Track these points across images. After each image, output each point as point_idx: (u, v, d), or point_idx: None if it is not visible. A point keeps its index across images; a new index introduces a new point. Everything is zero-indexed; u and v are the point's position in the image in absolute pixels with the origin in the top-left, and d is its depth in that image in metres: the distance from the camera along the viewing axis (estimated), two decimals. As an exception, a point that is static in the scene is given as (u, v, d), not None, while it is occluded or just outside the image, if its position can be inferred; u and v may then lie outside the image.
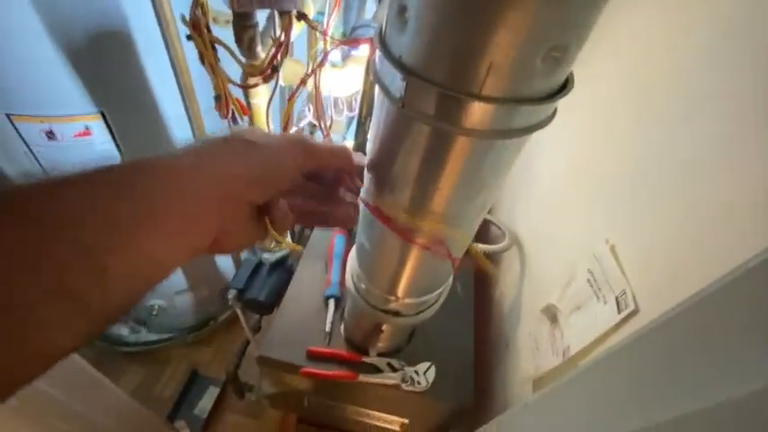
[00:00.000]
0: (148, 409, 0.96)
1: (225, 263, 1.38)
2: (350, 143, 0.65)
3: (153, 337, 1.40)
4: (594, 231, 0.47)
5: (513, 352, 0.63)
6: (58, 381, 0.56)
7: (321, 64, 0.44)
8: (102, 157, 0.85)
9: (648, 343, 0.28)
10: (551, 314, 0.53)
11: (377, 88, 0.28)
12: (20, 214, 0.16)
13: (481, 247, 0.67)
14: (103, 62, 0.74)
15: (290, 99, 0.44)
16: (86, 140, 0.81)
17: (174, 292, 1.31)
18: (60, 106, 0.76)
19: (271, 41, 0.43)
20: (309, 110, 0.57)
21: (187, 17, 0.38)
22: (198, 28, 0.37)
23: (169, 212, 0.20)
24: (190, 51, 0.81)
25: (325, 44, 0.44)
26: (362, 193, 0.35)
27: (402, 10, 0.22)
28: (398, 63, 0.23)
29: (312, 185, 0.33)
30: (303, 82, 0.46)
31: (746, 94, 0.29)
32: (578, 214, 0.51)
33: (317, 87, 0.48)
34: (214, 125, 1.02)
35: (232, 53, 0.39)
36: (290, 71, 0.49)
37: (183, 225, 0.21)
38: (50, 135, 0.78)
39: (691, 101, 0.36)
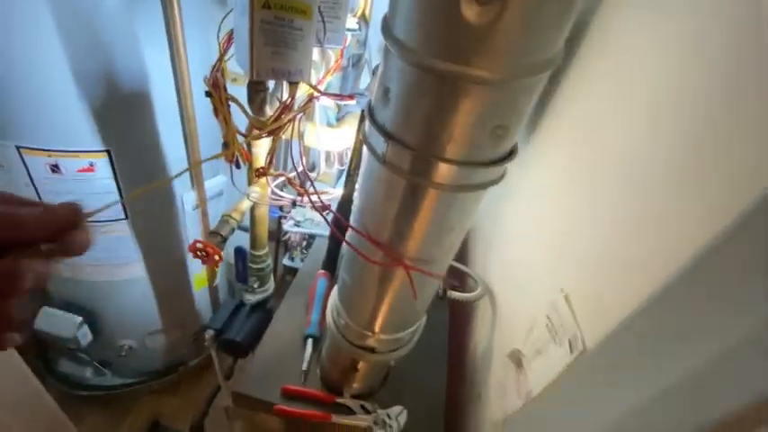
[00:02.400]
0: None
1: (203, 303, 1.37)
2: (339, 191, 0.71)
3: (117, 381, 1.33)
4: (553, 281, 0.52)
5: (485, 401, 0.65)
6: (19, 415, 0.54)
7: (305, 109, 0.51)
8: (102, 191, 0.89)
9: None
10: (516, 359, 0.56)
11: (365, 148, 0.34)
12: None
13: (456, 295, 0.71)
14: (116, 104, 0.81)
15: (275, 134, 0.49)
16: (88, 176, 0.85)
17: (146, 332, 1.27)
18: (70, 142, 0.81)
19: (277, 102, 0.50)
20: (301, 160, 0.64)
21: (207, 77, 0.46)
22: (217, 87, 0.44)
23: None
24: (198, 105, 0.90)
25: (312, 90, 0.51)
26: (354, 223, 0.40)
27: (386, 91, 0.29)
28: (382, 130, 0.30)
29: None
30: (288, 122, 0.52)
31: (675, 156, 0.37)
32: (540, 266, 0.57)
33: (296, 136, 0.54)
34: (209, 168, 1.08)
35: (245, 112, 0.46)
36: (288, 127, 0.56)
37: None
38: (55, 169, 0.82)
39: (631, 165, 0.43)
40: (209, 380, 1.47)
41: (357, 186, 0.37)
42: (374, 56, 1.19)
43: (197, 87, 0.88)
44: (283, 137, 0.54)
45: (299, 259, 1.17)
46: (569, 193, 0.53)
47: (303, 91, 0.52)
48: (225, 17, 0.42)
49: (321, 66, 0.53)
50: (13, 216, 0.21)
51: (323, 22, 0.45)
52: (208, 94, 0.46)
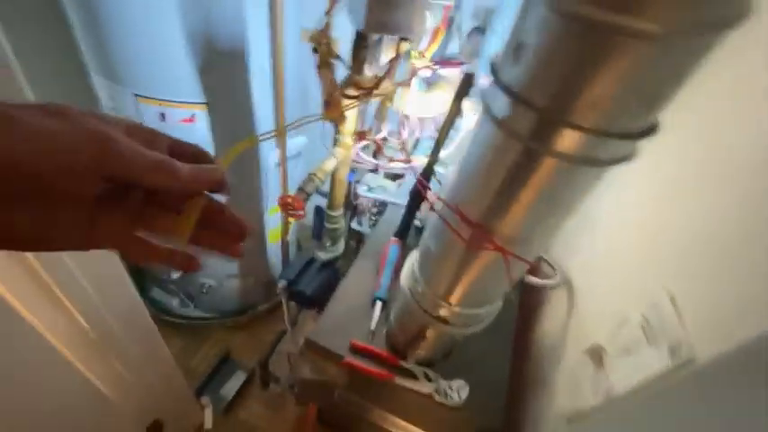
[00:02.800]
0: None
1: (274, 256, 1.46)
2: (422, 160, 0.70)
3: (198, 313, 1.50)
4: (655, 279, 0.47)
5: (551, 389, 0.62)
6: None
7: (411, 77, 0.49)
8: (199, 141, 0.97)
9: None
10: (596, 355, 0.53)
11: (481, 110, 0.32)
12: None
13: (533, 280, 0.68)
14: (217, 59, 0.86)
15: (380, 106, 0.49)
16: (190, 126, 0.93)
17: (225, 275, 1.40)
18: (176, 93, 0.88)
19: (376, 63, 0.50)
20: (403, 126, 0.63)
21: (313, 30, 0.46)
22: (323, 42, 0.44)
23: None
24: (288, 67, 0.92)
25: (416, 61, 0.49)
26: (443, 194, 0.39)
27: (519, 47, 0.27)
28: (507, 89, 0.27)
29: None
30: (387, 98, 0.51)
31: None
32: (638, 259, 0.52)
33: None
34: (292, 133, 1.12)
35: (351, 68, 0.46)
36: (384, 89, 0.55)
37: None
38: (162, 117, 0.91)
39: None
40: (274, 324, 1.60)
41: (463, 151, 0.35)
42: (465, 20, 1.12)
43: (290, 48, 0.90)
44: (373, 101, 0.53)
45: (367, 225, 1.19)
46: (691, 186, 0.47)
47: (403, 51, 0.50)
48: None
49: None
50: (172, 166, 0.21)
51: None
52: (315, 50, 0.46)
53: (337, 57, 0.45)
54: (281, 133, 1.02)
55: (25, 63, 0.46)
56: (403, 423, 0.68)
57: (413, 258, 0.54)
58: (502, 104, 0.28)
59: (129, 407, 0.85)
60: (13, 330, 0.52)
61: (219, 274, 1.40)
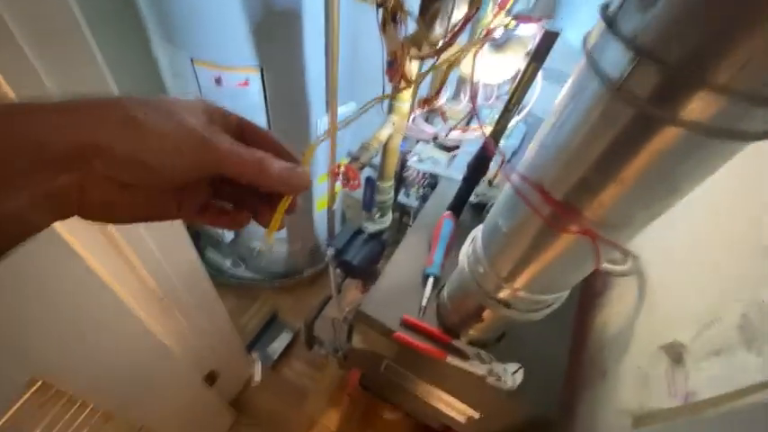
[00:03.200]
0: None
1: (321, 224, 1.48)
2: (485, 129, 0.64)
3: (249, 274, 1.57)
4: (756, 276, 0.41)
5: (612, 381, 0.58)
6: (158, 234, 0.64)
7: (487, 36, 0.44)
8: (253, 106, 0.97)
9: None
10: (676, 353, 0.48)
11: (580, 72, 0.27)
12: None
13: (603, 265, 0.62)
14: (271, 23, 0.84)
15: (448, 67, 0.45)
16: (244, 90, 0.93)
17: (274, 239, 1.45)
18: (232, 58, 0.88)
19: (447, 21, 0.45)
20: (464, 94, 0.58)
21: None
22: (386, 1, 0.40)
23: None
24: (343, 31, 0.88)
25: (493, 18, 0.44)
26: (520, 167, 0.35)
27: (649, -11, 0.21)
28: (631, 43, 0.23)
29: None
30: (462, 51, 0.46)
31: None
32: (742, 249, 0.45)
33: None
34: (343, 94, 1.09)
35: (419, 24, 0.42)
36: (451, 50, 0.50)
37: (18, 178, 0.18)
38: (218, 81, 0.91)
39: None
40: (319, 289, 1.65)
41: (553, 112, 0.31)
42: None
43: (344, 11, 0.85)
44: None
45: (414, 198, 1.16)
46: None
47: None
48: None
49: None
50: (266, 166, 0.23)
51: None
52: (379, 5, 0.42)
53: (407, 13, 0.41)
54: (333, 103, 1.00)
55: (90, 27, 0.46)
56: (451, 399, 0.67)
57: (475, 234, 0.50)
58: (617, 60, 0.23)
59: (189, 358, 0.92)
60: (93, 291, 0.56)
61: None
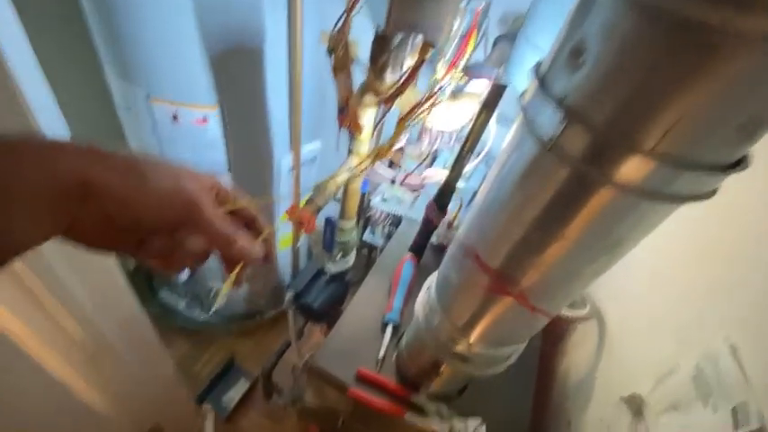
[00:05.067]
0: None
1: (284, 262, 1.43)
2: (441, 173, 0.65)
3: (204, 317, 1.47)
4: (710, 323, 0.41)
5: (576, 434, 0.56)
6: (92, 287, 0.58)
7: (433, 95, 0.45)
8: (211, 143, 0.94)
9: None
10: (635, 406, 0.46)
11: (516, 128, 0.27)
12: None
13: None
14: (232, 61, 0.83)
15: (401, 120, 0.45)
16: (202, 127, 0.90)
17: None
18: (190, 95, 0.86)
19: (399, 69, 0.45)
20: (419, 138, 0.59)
21: (331, 32, 0.42)
22: (340, 44, 0.40)
23: (20, 197, 0.20)
24: (305, 69, 0.89)
25: (444, 75, 0.45)
26: (461, 232, 0.34)
27: (578, 52, 0.21)
28: (561, 104, 0.22)
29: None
30: (416, 107, 0.47)
31: None
32: (691, 300, 0.45)
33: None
34: (307, 133, 1.08)
35: (369, 73, 0.42)
36: (404, 98, 0.50)
37: (30, 210, 0.20)
38: (175, 118, 0.88)
39: None
40: (280, 332, 1.56)
41: (488, 175, 0.30)
42: (492, 27, 1.07)
43: (308, 50, 0.86)
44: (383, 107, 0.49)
45: (380, 236, 1.14)
46: (757, 214, 0.40)
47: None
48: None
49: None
50: (232, 241, 0.27)
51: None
52: (330, 51, 0.42)
53: (356, 60, 0.41)
54: (296, 144, 0.99)
55: (42, 59, 0.43)
56: (410, 459, 0.62)
57: (430, 282, 0.48)
58: (549, 119, 0.23)
59: (126, 417, 0.82)
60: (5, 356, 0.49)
61: (227, 278, 1.37)
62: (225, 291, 0.31)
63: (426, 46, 0.37)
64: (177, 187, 0.25)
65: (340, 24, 0.41)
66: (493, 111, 0.46)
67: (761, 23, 0.15)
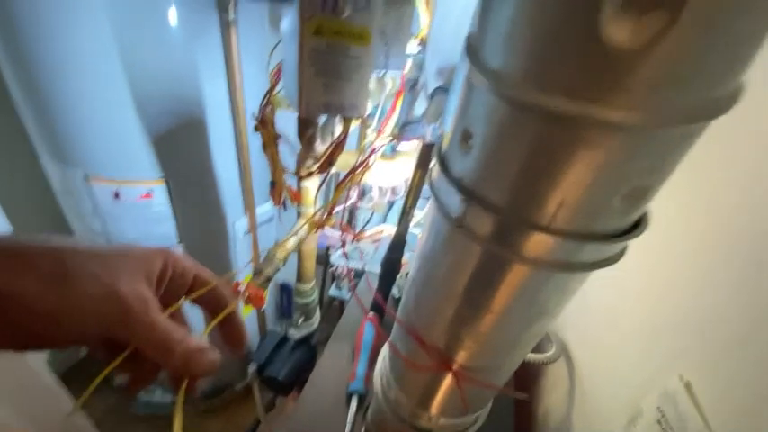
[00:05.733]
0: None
1: (250, 327, 1.35)
2: (391, 228, 0.64)
3: (167, 399, 1.35)
4: (665, 362, 0.41)
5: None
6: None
7: (367, 159, 0.45)
8: (157, 217, 0.91)
9: None
10: (610, 454, 0.44)
11: (431, 202, 0.27)
12: None
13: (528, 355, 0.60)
14: (175, 134, 0.82)
15: (337, 187, 0.45)
16: (146, 202, 0.87)
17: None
18: (131, 171, 0.83)
19: (329, 137, 0.45)
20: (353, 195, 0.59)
21: (255, 113, 0.42)
22: (265, 124, 0.40)
23: None
24: (253, 134, 0.89)
25: (376, 138, 0.46)
26: (400, 309, 0.33)
27: (466, 136, 0.22)
28: (458, 185, 0.22)
29: None
30: (353, 171, 0.47)
31: None
32: (644, 339, 0.45)
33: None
34: (261, 194, 1.07)
35: (294, 149, 0.42)
36: (342, 160, 0.51)
37: None
38: (116, 196, 0.85)
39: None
40: (253, 406, 1.45)
41: (416, 250, 0.30)
42: (431, 79, 1.13)
43: (251, 109, 0.87)
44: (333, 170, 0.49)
45: (347, 289, 1.11)
46: (700, 252, 0.41)
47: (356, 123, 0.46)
48: (275, 47, 0.38)
49: (376, 94, 0.47)
50: (170, 349, 0.24)
51: (387, 43, 0.40)
52: (256, 128, 0.42)
53: (279, 137, 0.41)
54: (249, 203, 0.97)
55: None
56: None
57: (385, 352, 0.46)
58: (453, 201, 0.23)
59: None
60: None
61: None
62: (178, 407, 0.26)
63: (347, 121, 0.38)
64: (108, 292, 0.22)
65: (264, 103, 0.41)
66: (426, 169, 0.47)
67: (616, 114, 0.16)
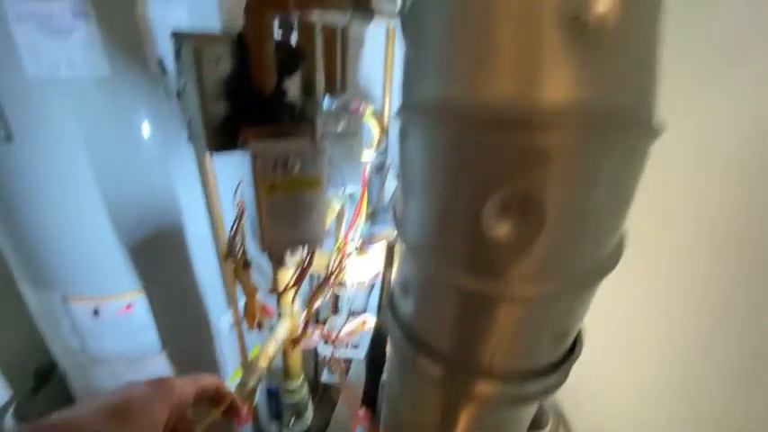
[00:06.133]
0: None
1: (243, 431, 1.27)
2: (372, 318, 0.65)
3: None
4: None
5: None
6: None
7: (334, 272, 0.48)
8: (139, 328, 0.89)
9: None
10: None
11: (389, 338, 0.29)
12: None
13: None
14: (153, 245, 0.84)
15: (311, 298, 0.46)
16: (127, 316, 0.86)
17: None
18: (111, 287, 0.83)
19: (299, 250, 0.48)
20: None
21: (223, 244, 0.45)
22: (234, 254, 0.42)
23: None
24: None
25: (343, 251, 0.49)
26: (381, 425, 0.34)
27: (405, 285, 0.24)
28: (407, 333, 0.24)
29: None
30: (327, 280, 0.49)
31: None
32: (641, 405, 0.46)
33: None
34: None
35: (262, 275, 0.44)
36: (316, 262, 0.53)
37: None
38: (96, 313, 0.84)
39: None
40: None
41: (384, 381, 0.31)
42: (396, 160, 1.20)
43: (228, 212, 0.90)
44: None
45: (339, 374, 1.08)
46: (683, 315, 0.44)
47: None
48: (238, 186, 0.42)
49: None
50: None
51: (341, 169, 0.44)
52: (225, 258, 0.44)
53: (250, 265, 0.43)
54: (232, 300, 0.97)
55: None
56: None
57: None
58: (405, 345, 0.25)
59: None
60: None
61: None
62: None
63: (311, 249, 0.41)
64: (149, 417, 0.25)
65: (232, 232, 0.44)
66: (390, 267, 0.49)
67: (516, 288, 0.19)
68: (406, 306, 0.25)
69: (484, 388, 0.23)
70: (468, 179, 0.17)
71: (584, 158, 0.15)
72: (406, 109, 0.20)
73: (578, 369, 0.53)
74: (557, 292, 0.19)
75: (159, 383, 0.27)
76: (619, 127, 0.15)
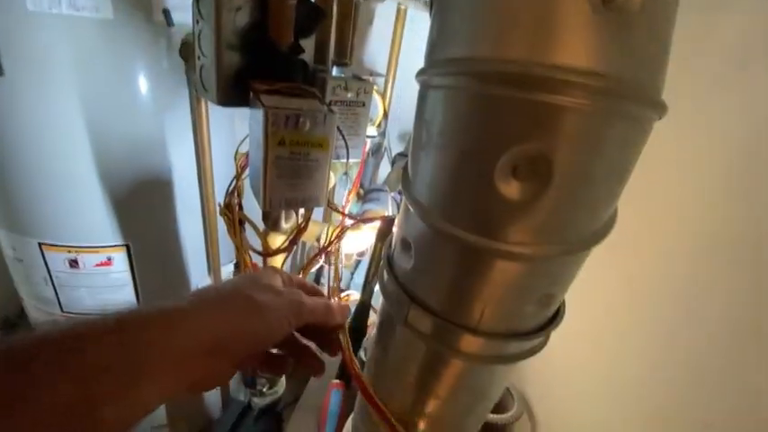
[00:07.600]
0: None
1: (212, 395, 1.28)
2: (356, 295, 0.66)
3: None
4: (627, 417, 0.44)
5: None
6: None
7: (327, 247, 0.49)
8: (117, 283, 0.88)
9: None
10: None
11: (381, 298, 0.30)
12: (21, 363, 0.18)
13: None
14: (138, 200, 0.82)
15: (304, 269, 0.47)
16: (105, 270, 0.85)
17: (149, 427, 1.18)
18: (90, 238, 0.82)
19: (293, 215, 0.48)
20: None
21: (220, 203, 0.45)
22: (230, 209, 0.42)
23: (163, 367, 0.22)
24: (220, 196, 0.91)
25: (342, 222, 0.50)
26: (368, 372, 0.35)
27: (406, 244, 0.25)
28: (403, 288, 0.26)
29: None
30: (320, 253, 0.50)
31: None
32: (604, 395, 0.49)
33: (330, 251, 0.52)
34: (226, 254, 1.07)
35: (258, 232, 0.45)
36: (309, 231, 0.53)
37: (173, 376, 0.22)
38: (73, 264, 0.82)
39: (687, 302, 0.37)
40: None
41: (373, 339, 0.32)
42: (394, 144, 1.21)
43: (219, 185, 0.89)
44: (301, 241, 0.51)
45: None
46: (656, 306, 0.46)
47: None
48: (243, 141, 0.42)
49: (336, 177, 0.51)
50: (333, 309, 0.31)
51: (344, 139, 0.44)
52: (221, 213, 0.44)
53: (246, 221, 0.44)
54: (215, 268, 0.97)
55: None
56: None
57: (348, 427, 0.47)
58: (399, 300, 0.26)
59: None
60: None
61: (142, 426, 1.18)
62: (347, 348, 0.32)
63: (308, 210, 0.41)
64: (281, 301, 0.27)
65: (230, 190, 0.44)
66: (383, 242, 0.50)
67: (513, 251, 0.20)
68: (405, 263, 0.26)
69: (470, 343, 0.24)
70: (486, 136, 0.18)
71: (596, 123, 0.16)
72: (430, 68, 0.21)
73: (545, 353, 0.56)
74: (551, 254, 0.20)
75: (297, 306, 0.28)
76: (631, 97, 0.16)
